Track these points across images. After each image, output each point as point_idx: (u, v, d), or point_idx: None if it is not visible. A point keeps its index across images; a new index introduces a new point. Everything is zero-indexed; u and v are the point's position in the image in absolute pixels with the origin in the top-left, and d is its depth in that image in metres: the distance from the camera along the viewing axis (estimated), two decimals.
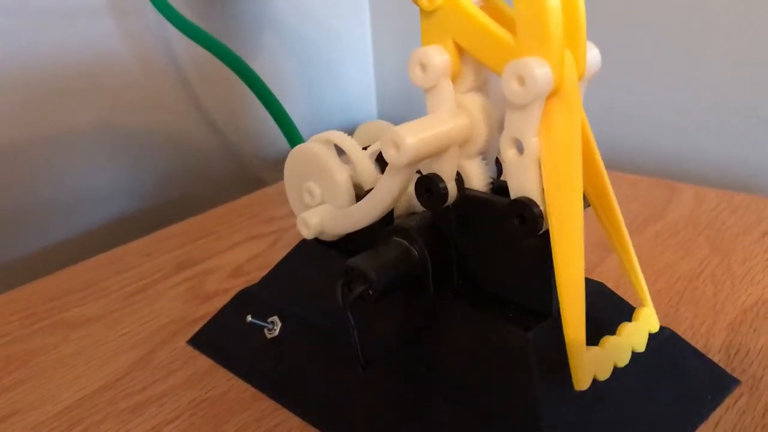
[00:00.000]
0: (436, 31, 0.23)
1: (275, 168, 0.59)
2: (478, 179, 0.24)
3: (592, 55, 0.22)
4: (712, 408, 0.26)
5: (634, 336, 0.24)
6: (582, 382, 0.22)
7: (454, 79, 0.23)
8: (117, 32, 0.48)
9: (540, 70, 0.20)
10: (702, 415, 0.26)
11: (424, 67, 0.23)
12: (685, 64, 0.50)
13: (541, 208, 0.22)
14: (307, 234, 0.28)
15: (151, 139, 0.51)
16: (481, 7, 0.22)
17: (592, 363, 0.23)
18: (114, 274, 0.40)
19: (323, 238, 0.29)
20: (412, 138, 0.22)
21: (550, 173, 0.21)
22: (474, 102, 0.23)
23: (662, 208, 0.42)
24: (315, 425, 0.26)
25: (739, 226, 0.39)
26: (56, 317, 0.36)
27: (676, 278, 0.35)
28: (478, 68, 0.23)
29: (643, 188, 0.45)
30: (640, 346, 0.24)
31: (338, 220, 0.27)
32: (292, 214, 0.46)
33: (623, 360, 0.24)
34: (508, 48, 0.21)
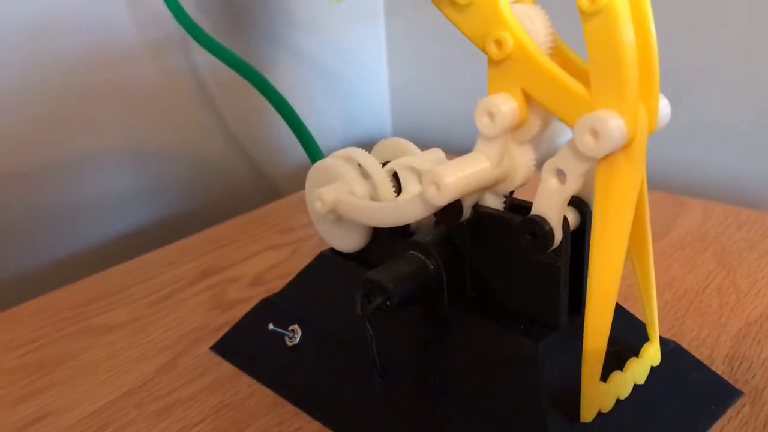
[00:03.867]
0: (505, 79, 0.22)
1: (292, 178, 0.61)
2: (492, 198, 0.26)
3: (663, 106, 0.22)
4: (715, 418, 0.27)
5: (638, 372, 0.25)
6: (589, 416, 0.24)
7: (519, 126, 0.23)
8: (142, 48, 0.49)
9: (615, 124, 0.20)
10: (705, 425, 0.27)
11: (492, 115, 0.23)
12: (693, 80, 0.51)
13: (554, 229, 0.23)
14: (321, 209, 0.29)
15: (172, 152, 0.53)
16: (550, 56, 0.22)
17: (600, 398, 0.24)
18: (138, 282, 0.41)
19: (338, 245, 0.30)
20: (452, 178, 0.23)
21: (601, 221, 0.22)
22: (523, 155, 0.24)
23: (670, 222, 0.43)
24: (334, 430, 0.28)
25: (745, 241, 0.40)
26: (84, 323, 0.37)
27: (683, 291, 0.36)
28: (545, 118, 0.23)
29: (652, 202, 0.46)
30: (642, 380, 0.26)
31: (354, 207, 0.28)
32: (309, 225, 0.47)
33: (625, 393, 0.25)
34: (582, 99, 0.21)
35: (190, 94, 0.53)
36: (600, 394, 0.24)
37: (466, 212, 0.25)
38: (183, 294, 0.39)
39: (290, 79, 0.60)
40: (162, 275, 0.42)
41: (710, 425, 0.27)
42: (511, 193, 0.26)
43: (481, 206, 0.25)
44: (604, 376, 0.24)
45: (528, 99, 0.22)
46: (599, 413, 0.24)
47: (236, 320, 0.35)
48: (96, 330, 0.37)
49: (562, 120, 0.22)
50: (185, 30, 0.43)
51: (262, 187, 0.60)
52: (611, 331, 0.23)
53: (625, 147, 0.21)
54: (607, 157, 0.21)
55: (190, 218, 0.54)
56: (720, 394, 0.28)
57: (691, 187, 0.52)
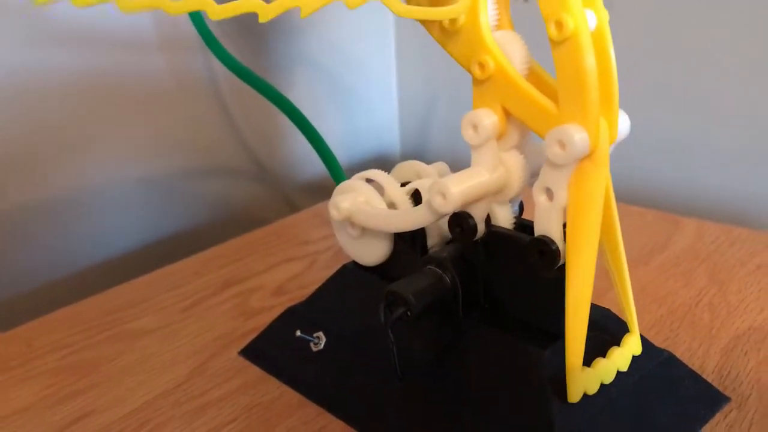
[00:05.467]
0: (487, 96, 0.26)
1: (307, 193, 0.63)
2: (504, 218, 0.28)
3: (622, 121, 0.25)
4: (705, 422, 0.30)
5: (619, 359, 0.28)
6: (575, 397, 0.26)
7: (500, 137, 0.26)
8: (162, 61, 0.52)
9: (579, 136, 0.23)
10: (696, 427, 0.29)
11: (475, 127, 0.26)
12: (694, 108, 0.54)
13: (559, 246, 0.26)
14: (336, 216, 0.32)
15: (191, 166, 0.56)
16: (526, 77, 0.26)
17: (584, 382, 0.26)
18: (166, 291, 0.44)
19: (360, 258, 0.33)
20: (457, 188, 0.26)
21: (574, 219, 0.25)
22: (513, 160, 0.27)
23: (666, 239, 0.46)
24: (356, 428, 0.30)
25: (736, 258, 0.43)
26: (117, 329, 0.40)
27: (677, 305, 0.38)
28: (522, 129, 0.26)
29: (650, 221, 0.49)
30: (624, 367, 0.28)
31: (366, 215, 0.31)
32: (325, 238, 0.50)
33: (609, 378, 0.27)
34: (551, 115, 0.24)
35: (212, 112, 0.56)
36: (584, 378, 0.26)
37: (480, 231, 0.28)
38: (209, 302, 0.42)
39: (301, 92, 0.63)
40: (188, 284, 0.44)
41: (700, 427, 0.29)
42: (521, 213, 0.29)
43: (494, 226, 0.28)
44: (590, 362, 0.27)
45: (507, 113, 0.26)
46: (604, 397, 0.27)
47: (260, 327, 0.37)
48: (129, 335, 0.39)
49: (535, 132, 0.25)
50: (212, 53, 0.46)
51: (278, 201, 0.62)
52: (598, 323, 0.26)
53: (590, 155, 0.24)
54: (577, 166, 0.24)
55: (209, 230, 0.57)
56: (710, 399, 0.31)
57: (686, 206, 0.55)
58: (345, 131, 0.69)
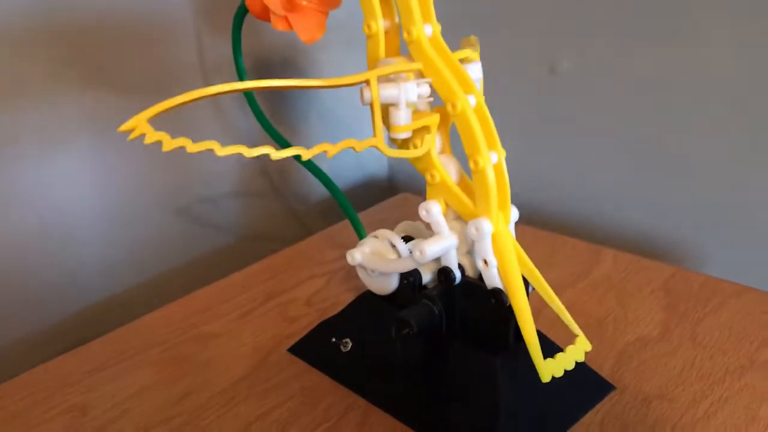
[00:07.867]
0: (435, 193, 0.42)
1: (317, 216, 0.78)
2: (471, 270, 0.44)
3: (514, 212, 0.42)
4: (597, 402, 0.46)
5: (575, 353, 0.43)
6: (545, 378, 0.41)
7: (445, 214, 0.42)
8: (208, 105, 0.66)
9: (485, 225, 0.40)
10: (590, 405, 0.46)
11: (427, 211, 0.42)
12: (619, 166, 0.70)
13: (505, 292, 0.42)
14: (351, 262, 0.47)
15: (219, 197, 0.71)
16: (458, 183, 0.42)
17: (551, 368, 0.42)
18: (224, 302, 0.59)
19: (374, 289, 0.49)
20: (429, 248, 0.42)
21: (503, 271, 0.41)
22: (458, 226, 0.42)
23: (590, 267, 0.62)
24: (375, 404, 0.46)
25: (638, 284, 0.60)
26: (194, 331, 0.55)
27: (592, 320, 0.55)
28: (456, 214, 0.42)
29: (581, 250, 0.66)
30: (581, 358, 0.43)
31: (371, 261, 0.46)
32: (337, 259, 0.66)
33: (570, 366, 0.42)
34: (471, 209, 0.41)
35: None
36: (550, 366, 0.41)
37: (457, 279, 0.44)
38: (258, 311, 0.57)
39: (306, 129, 0.76)
40: (240, 296, 0.60)
41: (593, 406, 0.46)
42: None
43: (466, 276, 0.44)
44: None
45: (447, 204, 0.42)
46: (533, 388, 0.42)
47: (299, 330, 0.53)
48: (204, 336, 0.54)
49: (464, 219, 0.41)
50: (255, 116, 0.60)
51: (294, 224, 0.78)
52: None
53: (497, 234, 0.40)
54: (492, 240, 0.40)
55: (237, 252, 0.72)
56: (601, 387, 0.47)
57: (608, 238, 0.72)
58: (337, 160, 0.82)
